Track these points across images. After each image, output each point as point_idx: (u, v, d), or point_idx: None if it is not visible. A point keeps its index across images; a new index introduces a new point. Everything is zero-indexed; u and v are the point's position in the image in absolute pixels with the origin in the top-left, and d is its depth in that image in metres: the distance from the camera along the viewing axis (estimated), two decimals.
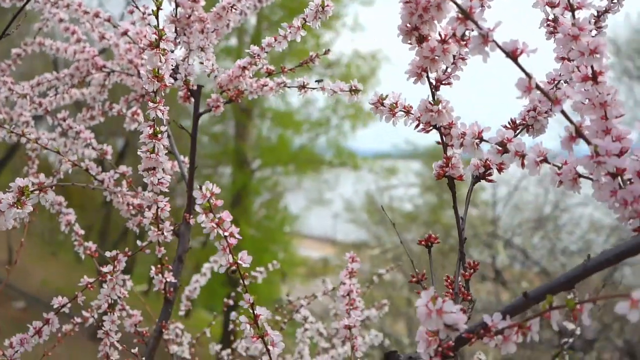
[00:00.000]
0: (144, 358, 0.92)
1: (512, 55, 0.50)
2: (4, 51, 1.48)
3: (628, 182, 0.52)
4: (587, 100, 0.54)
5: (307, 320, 1.27)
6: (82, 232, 1.07)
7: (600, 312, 6.26)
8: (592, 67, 0.53)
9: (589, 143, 0.51)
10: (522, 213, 7.20)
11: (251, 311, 0.64)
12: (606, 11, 0.71)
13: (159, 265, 0.94)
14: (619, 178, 0.52)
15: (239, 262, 0.62)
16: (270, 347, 0.63)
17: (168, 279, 0.95)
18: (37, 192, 0.66)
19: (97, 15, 1.09)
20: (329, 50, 0.98)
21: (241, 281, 0.63)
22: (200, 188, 0.60)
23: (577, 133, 0.51)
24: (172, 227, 0.89)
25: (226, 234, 0.61)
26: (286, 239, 10.88)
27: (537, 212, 7.03)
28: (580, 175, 0.54)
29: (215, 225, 0.60)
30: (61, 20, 1.18)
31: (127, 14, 1.11)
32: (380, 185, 10.08)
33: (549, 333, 6.11)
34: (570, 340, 1.06)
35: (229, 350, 1.33)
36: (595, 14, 0.71)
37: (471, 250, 6.58)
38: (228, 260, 0.62)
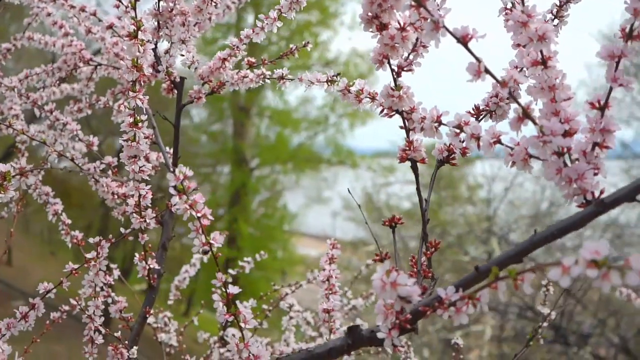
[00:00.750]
0: (127, 341, 0.95)
1: (463, 40, 0.52)
2: None
3: (576, 161, 0.54)
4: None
5: (293, 308, 1.30)
6: (69, 221, 1.10)
7: (595, 308, 6.28)
8: (541, 52, 0.56)
9: (535, 124, 0.53)
10: (519, 210, 7.24)
11: (224, 290, 0.66)
12: (568, 1, 0.74)
13: (142, 253, 0.97)
14: (566, 157, 0.54)
15: (212, 242, 0.64)
16: (242, 325, 0.66)
17: (151, 266, 0.97)
18: (18, 176, 0.68)
19: (83, 9, 1.11)
20: (308, 42, 1.01)
21: (215, 261, 0.66)
22: (174, 172, 0.63)
23: (525, 114, 0.54)
24: (154, 215, 0.92)
25: (199, 215, 0.63)
26: (285, 238, 10.91)
27: (534, 208, 7.07)
28: (531, 156, 0.56)
29: (188, 207, 0.63)
30: (49, 15, 1.21)
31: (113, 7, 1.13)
32: (377, 182, 10.12)
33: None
34: (545, 324, 1.08)
35: (215, 338, 1.36)
36: (558, 3, 0.74)
37: (467, 247, 6.62)
38: (201, 240, 0.65)
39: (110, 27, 1.07)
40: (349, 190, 1.18)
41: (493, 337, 6.04)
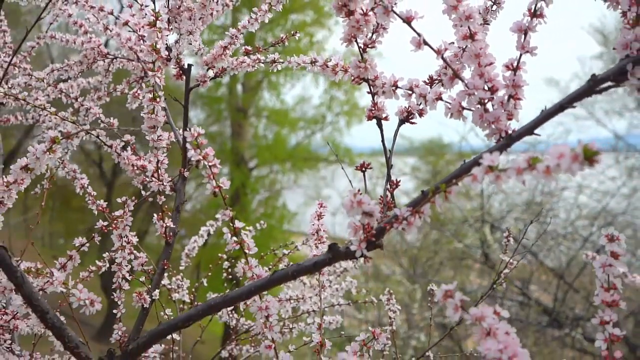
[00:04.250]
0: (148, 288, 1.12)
1: (407, 20, 0.70)
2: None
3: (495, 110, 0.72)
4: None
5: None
6: (94, 193, 1.27)
7: (587, 293, 6.44)
8: (469, 28, 0.73)
9: (463, 81, 0.71)
10: (513, 199, 7.44)
11: (231, 224, 0.84)
12: None
13: (160, 213, 1.14)
14: (490, 107, 0.72)
15: (220, 184, 0.82)
16: (246, 251, 0.84)
17: (168, 225, 1.15)
18: (65, 139, 0.85)
19: (101, 9, 1.28)
20: (296, 32, 1.18)
21: (223, 202, 0.83)
22: (190, 129, 0.80)
23: (455, 75, 0.71)
24: (170, 179, 1.09)
25: (211, 164, 0.81)
26: (285, 237, 11.08)
27: (528, 197, 7.27)
28: (464, 108, 0.74)
29: (202, 158, 0.81)
30: (70, 15, 1.38)
31: (126, 7, 1.30)
32: (374, 175, 10.31)
33: (537, 315, 6.32)
34: (507, 271, 1.26)
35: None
36: None
37: (462, 236, 6.81)
38: (212, 185, 0.82)
39: (126, 23, 1.24)
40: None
41: None
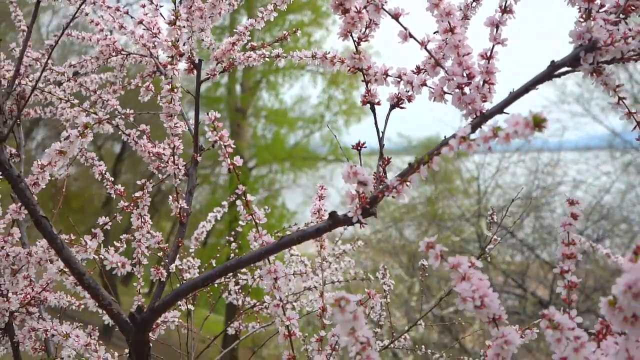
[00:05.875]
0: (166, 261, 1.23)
1: (395, 16, 0.81)
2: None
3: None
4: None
5: (290, 251, 1.58)
6: (112, 179, 1.38)
7: (582, 285, 6.57)
8: (449, 23, 0.84)
9: (443, 69, 0.82)
10: (510, 194, 7.56)
11: (244, 198, 0.95)
12: None
13: (175, 195, 1.25)
14: (466, 90, 0.83)
15: (234, 162, 0.93)
16: (257, 221, 0.95)
17: (182, 205, 1.26)
18: (96, 124, 0.96)
19: (117, 9, 1.39)
20: (297, 29, 1.29)
21: (235, 175, 0.94)
22: (208, 114, 0.91)
23: (437, 63, 0.83)
24: (185, 163, 1.20)
25: (226, 144, 0.92)
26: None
27: (526, 192, 7.40)
28: (445, 92, 0.85)
29: (218, 139, 0.92)
30: (87, 14, 1.49)
31: (139, 6, 1.41)
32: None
33: (534, 308, 6.43)
34: (492, 247, 1.37)
35: None
36: None
37: (459, 231, 6.93)
38: (227, 162, 0.93)
39: (140, 22, 1.35)
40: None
41: None
